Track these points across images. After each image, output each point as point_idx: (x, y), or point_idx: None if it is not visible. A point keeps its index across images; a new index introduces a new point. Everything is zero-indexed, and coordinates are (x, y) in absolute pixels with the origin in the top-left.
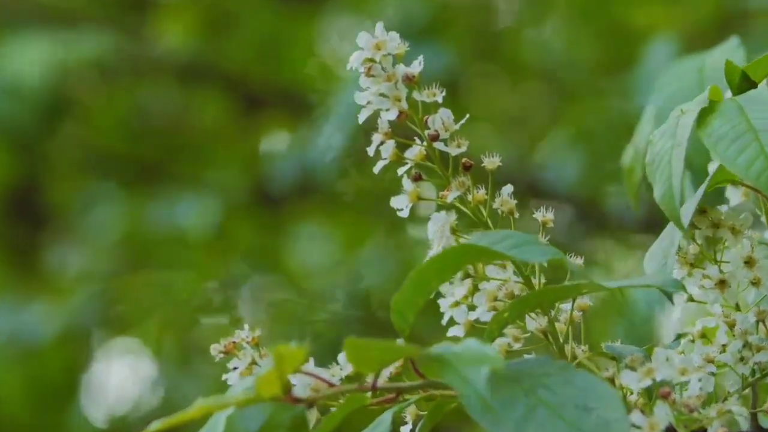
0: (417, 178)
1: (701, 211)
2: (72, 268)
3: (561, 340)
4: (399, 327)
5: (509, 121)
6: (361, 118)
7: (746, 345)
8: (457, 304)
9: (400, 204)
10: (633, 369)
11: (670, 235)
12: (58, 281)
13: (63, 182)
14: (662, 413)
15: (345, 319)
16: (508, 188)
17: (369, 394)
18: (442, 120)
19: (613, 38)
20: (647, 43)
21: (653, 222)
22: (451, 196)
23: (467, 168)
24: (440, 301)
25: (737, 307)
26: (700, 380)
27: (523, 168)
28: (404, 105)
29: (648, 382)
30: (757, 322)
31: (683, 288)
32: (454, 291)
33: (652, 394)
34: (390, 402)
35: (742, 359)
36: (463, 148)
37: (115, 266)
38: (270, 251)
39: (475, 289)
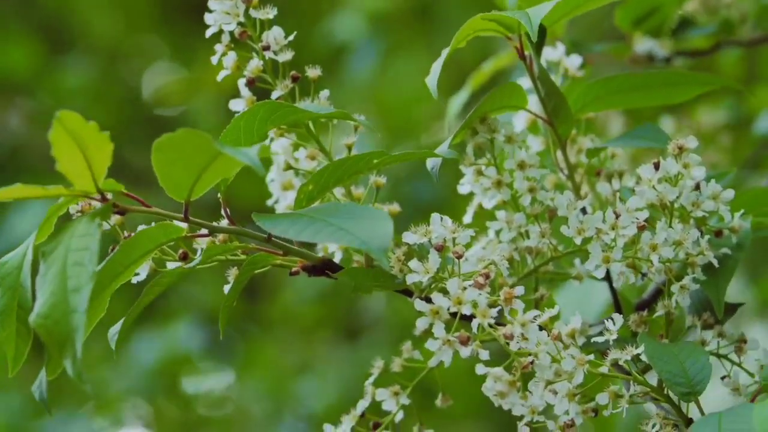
0: (250, 83)
1: (482, 119)
2: None
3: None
4: None
5: None
6: (208, 33)
7: (520, 234)
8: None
9: (238, 107)
10: (414, 232)
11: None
12: None
13: None
14: (434, 258)
15: None
16: (325, 93)
17: (184, 225)
18: (274, 36)
19: None
20: None
21: None
22: (274, 94)
23: (295, 79)
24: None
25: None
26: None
27: None
28: (241, 18)
29: (425, 239)
30: (530, 219)
31: (459, 156)
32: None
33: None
34: (203, 237)
35: (516, 249)
36: (288, 56)
37: None
38: None
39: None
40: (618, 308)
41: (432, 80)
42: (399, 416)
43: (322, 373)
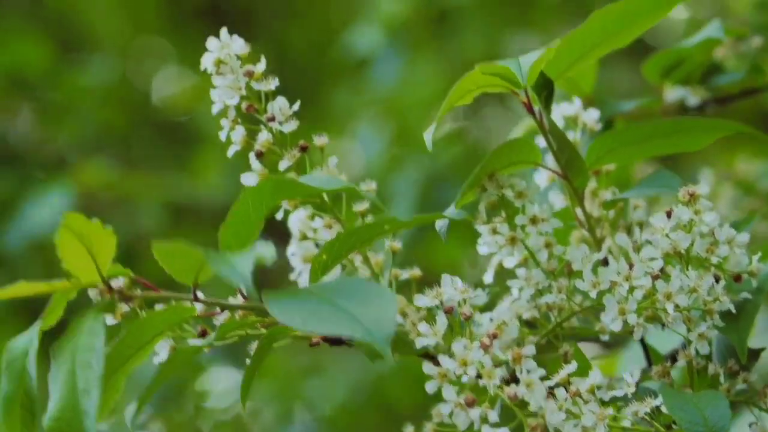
0: (259, 155)
1: (490, 176)
2: None
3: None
4: None
5: None
6: (214, 110)
7: (539, 291)
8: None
9: (249, 181)
10: (425, 295)
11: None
12: None
13: None
14: (442, 321)
15: None
16: (334, 160)
17: (195, 306)
18: (279, 106)
19: None
20: None
21: None
22: (282, 165)
23: (303, 149)
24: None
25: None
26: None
27: None
28: (243, 92)
29: (436, 301)
30: (548, 275)
31: (470, 217)
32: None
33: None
34: (216, 315)
35: (536, 306)
36: (293, 126)
37: None
38: None
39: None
40: (648, 360)
41: (428, 135)
42: None
43: (331, 376)
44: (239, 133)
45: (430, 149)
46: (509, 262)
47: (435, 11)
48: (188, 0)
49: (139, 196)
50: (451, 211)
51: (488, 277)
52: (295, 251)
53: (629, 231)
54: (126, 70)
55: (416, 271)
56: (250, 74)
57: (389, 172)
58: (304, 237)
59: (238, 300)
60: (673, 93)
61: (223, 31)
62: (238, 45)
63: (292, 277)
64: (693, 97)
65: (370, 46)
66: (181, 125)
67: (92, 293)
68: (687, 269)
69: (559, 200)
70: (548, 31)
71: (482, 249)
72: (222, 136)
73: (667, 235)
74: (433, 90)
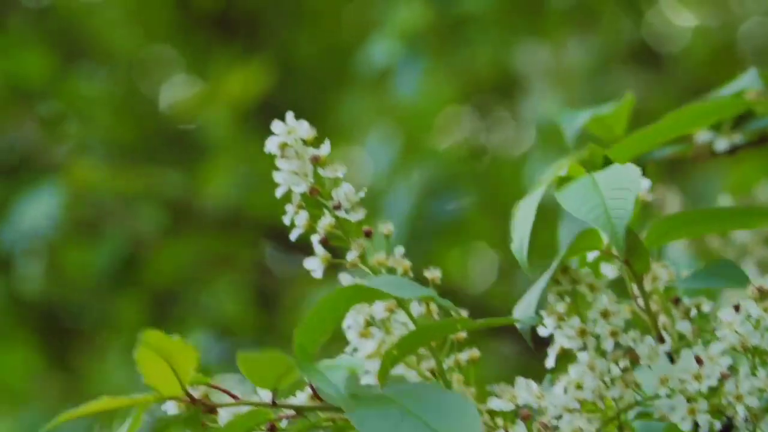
0: (324, 242)
1: (563, 269)
2: None
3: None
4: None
5: None
6: (278, 193)
7: (604, 383)
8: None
9: (313, 265)
10: (499, 396)
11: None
12: None
13: None
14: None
15: None
16: (400, 250)
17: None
18: (344, 193)
19: None
20: None
21: None
22: (349, 256)
23: (368, 234)
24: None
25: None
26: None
27: None
28: (311, 179)
29: (511, 406)
30: (610, 364)
31: (541, 322)
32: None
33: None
34: (291, 419)
35: (600, 396)
36: (361, 216)
37: None
38: None
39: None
40: None
41: (521, 251)
42: None
43: None
44: (303, 217)
45: (526, 269)
46: (569, 345)
47: (451, 21)
48: (196, 8)
49: (137, 196)
50: (527, 314)
51: (550, 362)
52: (351, 324)
53: (686, 312)
54: (133, 79)
55: (475, 352)
56: (316, 160)
57: (393, 182)
58: (368, 324)
59: (309, 398)
60: (703, 137)
61: (289, 115)
62: (303, 129)
63: (347, 350)
64: (722, 141)
65: (388, 56)
66: (189, 133)
67: (170, 406)
68: (755, 365)
69: (610, 272)
70: (556, 40)
71: (544, 331)
72: (285, 220)
73: (735, 331)
74: (441, 99)
